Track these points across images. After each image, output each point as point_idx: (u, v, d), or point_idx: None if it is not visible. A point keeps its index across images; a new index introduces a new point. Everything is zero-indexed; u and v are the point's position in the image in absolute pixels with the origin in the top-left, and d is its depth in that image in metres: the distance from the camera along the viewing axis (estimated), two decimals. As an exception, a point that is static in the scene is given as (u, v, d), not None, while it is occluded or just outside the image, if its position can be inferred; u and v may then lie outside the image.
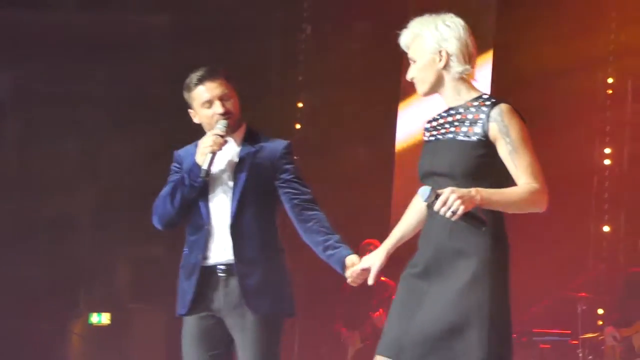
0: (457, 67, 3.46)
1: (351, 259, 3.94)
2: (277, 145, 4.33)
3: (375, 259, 3.69)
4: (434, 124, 3.61)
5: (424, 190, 3.22)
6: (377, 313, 9.24)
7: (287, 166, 4.25)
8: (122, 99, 11.29)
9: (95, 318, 11.32)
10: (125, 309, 11.25)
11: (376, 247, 8.35)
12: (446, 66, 3.48)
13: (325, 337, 10.74)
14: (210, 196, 4.27)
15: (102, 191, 11.49)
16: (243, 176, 4.25)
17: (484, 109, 3.45)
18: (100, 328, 11.34)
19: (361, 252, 8.45)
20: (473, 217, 3.22)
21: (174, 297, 4.31)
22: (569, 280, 9.08)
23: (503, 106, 3.46)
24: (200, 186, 4.22)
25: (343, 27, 10.91)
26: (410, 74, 3.59)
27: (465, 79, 3.52)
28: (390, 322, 3.55)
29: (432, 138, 3.62)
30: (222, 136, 4.19)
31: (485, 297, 3.34)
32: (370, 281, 3.77)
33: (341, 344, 10.10)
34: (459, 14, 3.98)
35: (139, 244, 10.85)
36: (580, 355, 8.24)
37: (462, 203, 3.15)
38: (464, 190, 3.22)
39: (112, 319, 11.22)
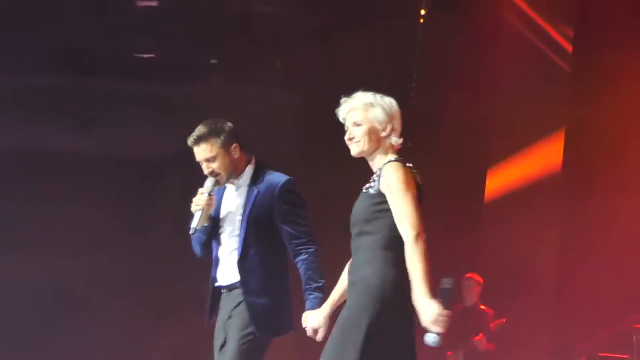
0: (394, 139, 4.02)
1: (307, 313, 4.22)
2: (276, 183, 4.61)
3: (318, 321, 4.12)
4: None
5: (432, 338, 3.65)
6: (478, 337, 9.87)
7: (284, 206, 4.51)
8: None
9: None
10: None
11: (476, 280, 9.94)
12: (387, 137, 4.03)
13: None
14: (221, 236, 4.67)
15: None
16: (247, 218, 4.58)
17: (385, 167, 3.99)
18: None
19: (464, 286, 10.09)
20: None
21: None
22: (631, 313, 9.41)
23: (391, 163, 3.97)
24: (199, 236, 4.69)
25: (444, 98, 11.57)
26: (354, 134, 4.03)
27: (393, 147, 4.07)
28: None
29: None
30: (210, 194, 4.59)
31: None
32: (318, 338, 4.15)
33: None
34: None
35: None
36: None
37: (437, 319, 3.64)
38: (429, 312, 3.63)
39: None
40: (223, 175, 4.57)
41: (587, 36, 10.47)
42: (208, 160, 4.53)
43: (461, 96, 11.48)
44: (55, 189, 12.57)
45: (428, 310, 3.57)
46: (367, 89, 4.20)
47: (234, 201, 4.64)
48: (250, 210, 4.52)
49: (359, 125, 3.99)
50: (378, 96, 4.05)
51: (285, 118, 13.63)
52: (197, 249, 4.71)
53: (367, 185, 4.01)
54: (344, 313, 3.85)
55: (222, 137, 4.54)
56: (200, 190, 4.53)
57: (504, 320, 9.83)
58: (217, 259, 4.61)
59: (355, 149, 4.00)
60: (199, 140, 4.52)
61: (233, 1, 14.10)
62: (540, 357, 10.32)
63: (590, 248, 10.10)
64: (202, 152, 4.53)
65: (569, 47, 10.72)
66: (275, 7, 14.17)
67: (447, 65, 11.41)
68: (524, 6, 11.15)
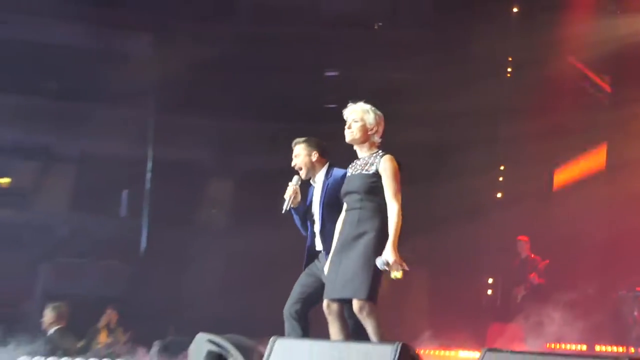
0: (376, 137, 5.10)
1: None
2: (339, 176, 5.45)
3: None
4: (352, 166, 5.24)
5: (380, 263, 4.85)
6: (532, 275, 11.21)
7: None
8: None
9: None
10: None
11: (524, 240, 11.63)
12: (373, 135, 5.07)
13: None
14: (313, 217, 5.67)
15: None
16: (322, 203, 5.51)
17: (378, 158, 5.00)
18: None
19: (518, 245, 11.51)
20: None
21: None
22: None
23: (387, 156, 5.03)
24: (295, 217, 5.71)
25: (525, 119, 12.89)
26: (352, 126, 5.07)
27: (375, 143, 5.10)
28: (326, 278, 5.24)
29: (349, 174, 5.22)
30: (294, 186, 5.54)
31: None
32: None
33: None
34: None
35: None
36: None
37: (395, 261, 4.80)
38: (389, 256, 4.81)
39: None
40: (303, 169, 5.64)
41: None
42: (296, 156, 5.64)
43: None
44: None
45: (390, 254, 4.82)
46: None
47: (317, 193, 5.64)
48: (324, 197, 5.54)
49: (356, 122, 5.07)
50: (373, 108, 5.10)
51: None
52: (299, 227, 5.81)
53: (365, 168, 5.06)
54: (354, 250, 4.99)
55: (306, 145, 5.64)
56: (289, 184, 5.59)
57: (548, 261, 11.28)
58: (313, 233, 5.63)
59: (349, 137, 5.09)
60: (294, 143, 5.68)
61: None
62: (587, 291, 10.91)
63: (629, 216, 11.16)
64: (294, 151, 5.66)
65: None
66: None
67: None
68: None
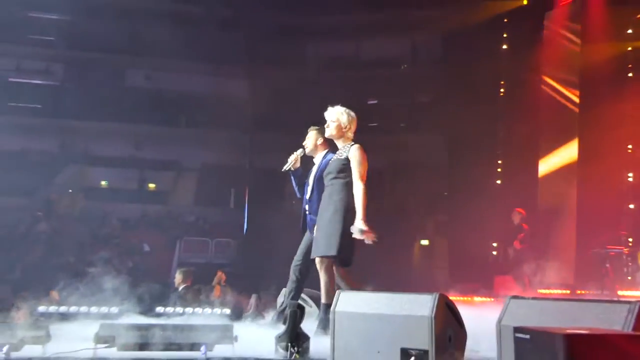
0: (350, 134, 4.58)
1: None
2: (330, 159, 4.75)
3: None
4: (330, 155, 4.81)
5: (355, 231, 4.27)
6: (515, 241, 10.34)
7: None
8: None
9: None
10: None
11: (518, 211, 10.42)
12: (347, 131, 4.57)
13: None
14: (305, 184, 5.05)
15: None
16: (315, 176, 4.95)
17: (348, 147, 4.51)
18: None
19: (514, 214, 10.46)
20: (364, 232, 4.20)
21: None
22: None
23: (356, 145, 4.52)
24: (292, 175, 5.02)
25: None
26: (330, 127, 4.56)
27: (349, 138, 4.59)
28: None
29: (329, 159, 4.77)
30: (296, 155, 5.01)
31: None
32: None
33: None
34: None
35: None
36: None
37: (366, 230, 4.21)
38: (361, 226, 4.23)
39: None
40: (309, 147, 5.13)
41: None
42: (308, 138, 5.16)
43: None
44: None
45: (361, 225, 4.27)
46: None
47: (314, 169, 5.12)
48: (317, 172, 4.96)
49: (333, 122, 4.59)
50: (347, 110, 4.60)
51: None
52: (295, 188, 5.16)
53: (338, 155, 4.58)
54: (323, 221, 4.46)
55: (317, 132, 5.13)
56: (294, 152, 5.09)
57: (527, 228, 10.34)
58: (306, 199, 5.00)
59: (327, 133, 4.65)
60: (310, 130, 5.20)
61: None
62: (567, 250, 10.85)
63: (597, 192, 10.59)
64: (308, 134, 5.17)
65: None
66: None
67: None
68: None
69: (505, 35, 13.20)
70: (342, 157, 4.44)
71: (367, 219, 4.26)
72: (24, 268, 12.41)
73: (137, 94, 16.71)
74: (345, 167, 4.44)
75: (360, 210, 4.26)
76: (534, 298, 2.87)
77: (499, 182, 12.83)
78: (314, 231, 4.54)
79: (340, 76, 15.84)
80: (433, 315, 2.97)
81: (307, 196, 4.88)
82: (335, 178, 4.47)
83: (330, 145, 5.04)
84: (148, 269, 13.28)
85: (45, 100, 16.80)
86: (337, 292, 3.49)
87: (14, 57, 16.62)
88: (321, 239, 4.39)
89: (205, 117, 16.11)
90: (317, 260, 4.41)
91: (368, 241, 4.24)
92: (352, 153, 4.42)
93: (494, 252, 12.42)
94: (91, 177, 16.92)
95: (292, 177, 5.03)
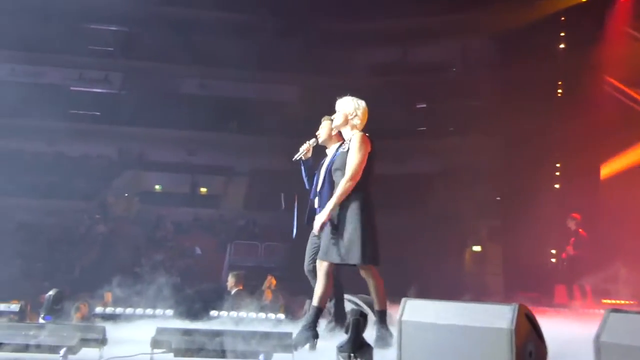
0: (356, 120, 4.13)
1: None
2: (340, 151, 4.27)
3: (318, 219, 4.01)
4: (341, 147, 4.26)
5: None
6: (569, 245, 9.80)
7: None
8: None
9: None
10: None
11: (572, 216, 9.70)
12: (353, 119, 4.13)
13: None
14: (316, 176, 4.65)
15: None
16: (327, 168, 4.53)
17: (354, 135, 4.09)
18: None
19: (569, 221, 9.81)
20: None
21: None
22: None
23: (356, 133, 4.08)
24: (302, 165, 4.68)
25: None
26: (335, 116, 4.18)
27: (355, 126, 4.15)
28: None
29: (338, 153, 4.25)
30: (309, 144, 4.69)
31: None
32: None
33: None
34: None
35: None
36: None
37: (320, 223, 3.86)
38: (318, 218, 3.90)
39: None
40: (322, 137, 4.75)
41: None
42: (321, 127, 4.79)
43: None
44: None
45: (320, 217, 3.95)
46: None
47: (326, 161, 4.73)
48: (330, 164, 4.52)
49: (338, 111, 4.20)
50: (355, 99, 4.19)
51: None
52: (304, 179, 4.79)
53: (342, 147, 4.16)
54: (329, 222, 3.99)
55: (330, 121, 4.62)
56: (307, 142, 4.75)
57: (585, 234, 9.68)
58: (315, 192, 4.62)
59: (334, 123, 4.27)
60: (323, 119, 4.78)
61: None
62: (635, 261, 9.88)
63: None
64: (322, 124, 4.79)
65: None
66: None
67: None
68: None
69: (562, 34, 12.71)
70: (346, 149, 4.07)
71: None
72: (82, 269, 12.59)
73: (191, 101, 16.84)
74: None
75: (332, 200, 3.89)
76: (637, 312, 2.48)
77: (557, 186, 12.33)
78: (327, 233, 4.02)
79: (389, 81, 15.65)
80: (513, 328, 2.65)
81: (318, 189, 4.53)
82: (343, 175, 4.05)
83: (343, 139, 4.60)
84: (200, 271, 13.31)
85: (104, 108, 17.16)
86: (403, 300, 3.17)
87: (76, 67, 17.15)
88: (356, 246, 3.92)
89: (256, 123, 16.17)
90: (361, 268, 4.03)
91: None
92: (352, 141, 4.03)
93: (553, 260, 11.84)
94: (146, 182, 17.19)
95: (302, 167, 4.69)
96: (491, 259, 13.13)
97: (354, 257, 3.87)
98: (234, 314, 5.60)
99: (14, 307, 4.93)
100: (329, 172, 4.44)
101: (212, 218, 16.01)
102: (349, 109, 4.11)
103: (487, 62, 15.04)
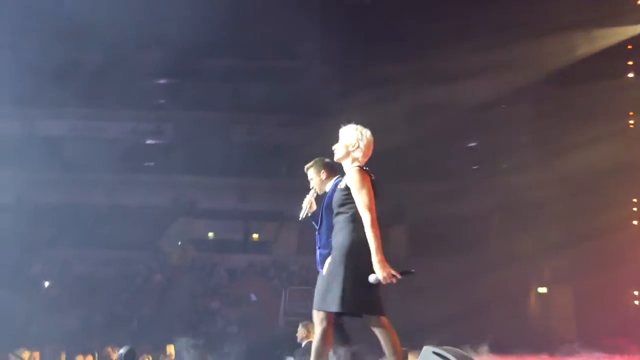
0: (357, 153, 3.72)
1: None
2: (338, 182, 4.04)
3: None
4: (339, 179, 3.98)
5: (372, 279, 3.42)
6: None
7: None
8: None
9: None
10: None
11: None
12: (354, 151, 3.72)
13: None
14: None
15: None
16: (323, 205, 4.32)
17: (349, 170, 3.71)
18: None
19: None
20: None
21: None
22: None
23: (352, 168, 3.68)
24: (313, 221, 4.38)
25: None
26: (336, 147, 3.77)
27: (356, 159, 3.72)
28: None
29: (336, 183, 4.01)
30: (309, 199, 4.46)
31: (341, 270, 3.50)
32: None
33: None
34: None
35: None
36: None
37: (387, 274, 3.37)
38: (378, 273, 3.39)
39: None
40: (316, 187, 4.53)
41: None
42: (310, 179, 4.60)
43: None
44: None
45: (378, 270, 3.40)
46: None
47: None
48: (325, 200, 4.34)
49: (339, 142, 3.80)
50: (359, 127, 3.80)
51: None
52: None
53: (338, 185, 3.81)
54: (327, 267, 3.70)
55: (313, 167, 4.60)
56: (306, 197, 4.49)
57: None
58: (317, 232, 4.43)
59: (335, 157, 3.84)
60: (307, 169, 4.64)
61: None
62: None
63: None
64: (308, 176, 4.62)
65: None
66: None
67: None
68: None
69: (630, 63, 12.23)
70: (343, 187, 3.68)
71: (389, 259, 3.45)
72: (140, 319, 12.58)
73: (241, 148, 17.04)
74: (347, 198, 3.63)
75: (373, 251, 3.41)
76: None
77: (635, 222, 11.65)
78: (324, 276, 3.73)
79: (436, 122, 15.32)
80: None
81: (318, 228, 4.27)
82: (337, 214, 3.69)
83: (340, 171, 4.21)
84: (257, 318, 13.03)
85: (157, 158, 17.52)
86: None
87: (130, 120, 17.62)
88: (322, 291, 3.61)
89: (304, 166, 16.28)
90: (315, 314, 3.66)
91: (372, 281, 3.40)
92: (349, 178, 3.62)
93: (637, 302, 11.20)
94: (199, 230, 17.26)
95: (313, 223, 4.34)
96: (559, 301, 12.25)
97: (331, 304, 3.51)
98: None
99: None
100: (325, 208, 4.20)
101: (265, 264, 15.91)
102: (351, 139, 3.73)
103: (542, 96, 14.50)
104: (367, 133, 3.74)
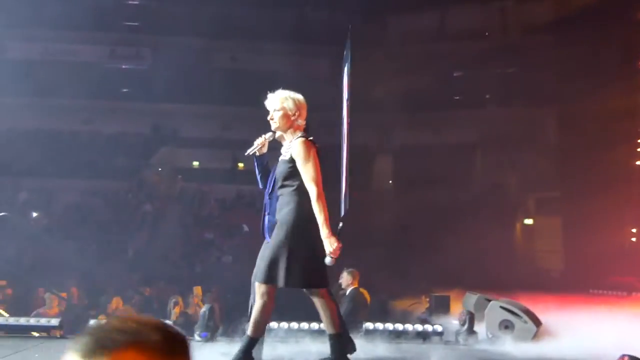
0: (300, 121, 3.56)
1: None
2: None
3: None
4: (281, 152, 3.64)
5: (328, 260, 3.32)
6: None
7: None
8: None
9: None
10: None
11: None
12: (297, 119, 3.55)
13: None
14: (271, 176, 3.77)
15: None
16: (274, 171, 3.76)
17: (293, 142, 3.51)
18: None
19: None
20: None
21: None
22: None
23: (298, 140, 3.49)
24: (255, 162, 3.78)
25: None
26: (275, 117, 3.54)
27: (299, 127, 3.57)
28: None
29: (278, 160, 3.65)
30: (266, 138, 3.75)
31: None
32: None
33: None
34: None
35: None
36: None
37: (334, 248, 3.26)
38: (328, 247, 3.26)
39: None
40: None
41: None
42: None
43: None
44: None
45: (330, 244, 3.28)
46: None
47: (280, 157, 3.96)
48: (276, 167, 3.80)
49: (277, 111, 3.57)
50: (292, 93, 3.61)
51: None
52: (257, 177, 3.86)
53: (282, 156, 3.58)
54: (271, 241, 3.48)
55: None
56: (262, 135, 3.80)
57: None
58: (267, 196, 3.80)
59: (273, 126, 3.59)
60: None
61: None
62: None
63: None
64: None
65: None
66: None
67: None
68: None
69: None
70: (287, 158, 3.48)
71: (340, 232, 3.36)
72: (135, 250, 12.54)
73: (223, 74, 16.48)
74: (291, 171, 3.46)
75: (321, 225, 3.27)
76: None
77: (639, 163, 11.61)
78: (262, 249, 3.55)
79: (424, 49, 15.10)
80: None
81: (268, 191, 3.69)
82: (282, 186, 3.49)
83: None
84: (251, 249, 13.19)
85: (136, 84, 16.91)
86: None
87: (108, 44, 16.74)
88: (261, 263, 3.48)
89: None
90: (257, 287, 3.51)
91: (329, 262, 3.31)
92: (296, 150, 3.43)
93: (634, 239, 11.25)
94: (183, 159, 16.94)
95: (255, 164, 3.82)
96: (547, 233, 12.34)
97: (277, 278, 3.41)
98: (389, 325, 4.88)
99: (54, 321, 4.90)
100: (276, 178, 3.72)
101: (254, 194, 15.79)
102: (290, 106, 3.52)
103: (533, 26, 14.11)
104: (301, 98, 3.57)
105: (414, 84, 14.77)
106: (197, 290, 7.31)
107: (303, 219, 3.37)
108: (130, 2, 17.05)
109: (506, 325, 4.55)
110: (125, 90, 17.10)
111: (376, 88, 14.09)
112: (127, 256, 12.29)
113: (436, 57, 15.19)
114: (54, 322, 4.86)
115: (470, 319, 4.68)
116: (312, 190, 3.31)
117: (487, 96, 16.11)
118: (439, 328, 4.79)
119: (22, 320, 4.83)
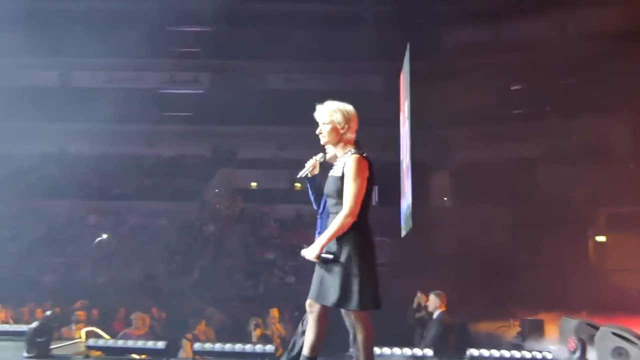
0: (349, 134, 3.42)
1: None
2: None
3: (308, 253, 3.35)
4: (333, 166, 3.50)
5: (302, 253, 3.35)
6: None
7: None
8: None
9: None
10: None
11: None
12: (345, 133, 3.41)
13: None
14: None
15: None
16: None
17: (348, 158, 3.34)
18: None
19: None
20: (325, 255, 3.27)
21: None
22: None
23: (352, 157, 3.34)
24: (308, 184, 3.71)
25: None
26: (323, 131, 3.43)
27: (349, 140, 3.44)
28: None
29: (328, 175, 3.48)
30: (317, 160, 3.68)
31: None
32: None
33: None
34: None
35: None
36: None
37: (313, 256, 3.24)
38: (311, 249, 3.27)
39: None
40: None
41: None
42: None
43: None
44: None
45: (314, 249, 3.27)
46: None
47: None
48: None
49: (325, 124, 3.46)
50: (341, 105, 3.50)
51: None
52: (311, 199, 3.84)
53: (334, 171, 3.45)
54: (328, 261, 3.33)
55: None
56: (313, 157, 3.69)
57: None
58: (319, 215, 3.77)
59: (322, 141, 3.49)
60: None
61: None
62: None
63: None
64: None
65: None
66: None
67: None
68: None
69: None
70: (338, 175, 3.32)
71: None
72: (201, 270, 12.71)
73: (278, 95, 16.73)
74: (343, 187, 3.31)
75: (325, 235, 3.23)
76: None
77: None
78: (316, 269, 3.41)
79: (480, 64, 14.97)
80: None
81: (320, 211, 3.65)
82: (337, 204, 3.32)
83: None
84: (311, 269, 13.16)
85: (194, 108, 17.40)
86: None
87: (167, 70, 17.33)
88: (329, 288, 3.29)
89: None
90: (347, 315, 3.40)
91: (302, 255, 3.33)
92: (347, 167, 3.29)
93: None
94: (241, 179, 17.21)
95: (308, 186, 3.73)
96: (620, 250, 11.84)
97: (329, 298, 3.27)
98: (495, 352, 4.76)
99: (161, 344, 4.90)
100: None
101: (313, 214, 15.82)
102: (339, 119, 3.38)
103: (589, 34, 13.76)
104: (351, 108, 3.44)
105: (474, 100, 14.63)
106: (274, 312, 7.29)
107: (359, 240, 3.26)
108: (186, 29, 17.50)
109: (620, 353, 4.29)
110: (184, 114, 17.48)
111: (435, 103, 13.91)
112: (194, 276, 12.44)
113: (494, 70, 15.09)
114: (160, 344, 4.86)
115: (582, 347, 4.43)
116: (346, 206, 3.21)
117: (547, 108, 15.68)
118: (548, 355, 4.60)
119: (130, 343, 4.91)
